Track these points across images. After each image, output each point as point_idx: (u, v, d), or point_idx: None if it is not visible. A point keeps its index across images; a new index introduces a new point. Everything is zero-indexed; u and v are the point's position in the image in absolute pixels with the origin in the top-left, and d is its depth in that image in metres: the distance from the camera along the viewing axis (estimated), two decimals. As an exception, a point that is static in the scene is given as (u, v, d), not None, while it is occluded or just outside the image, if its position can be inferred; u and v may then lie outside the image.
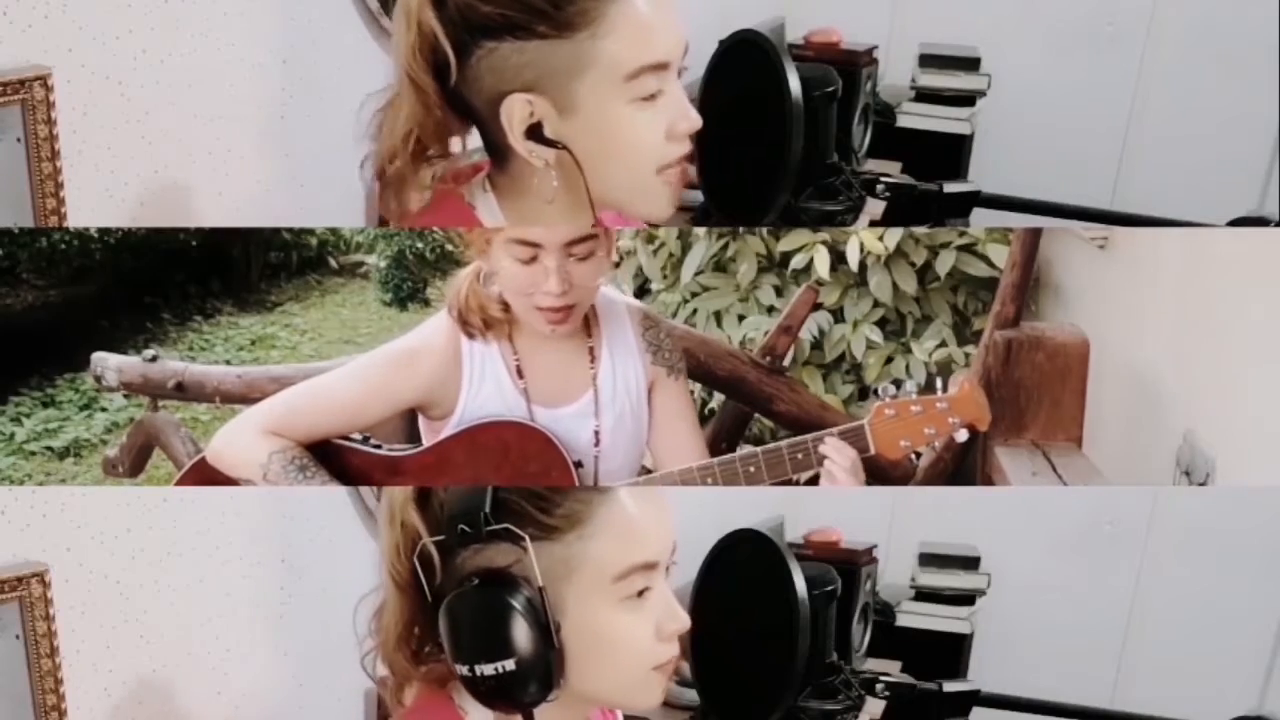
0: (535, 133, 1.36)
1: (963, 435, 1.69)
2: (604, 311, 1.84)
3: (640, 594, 1.22)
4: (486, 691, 1.21)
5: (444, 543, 1.20)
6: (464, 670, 1.21)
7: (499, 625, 1.18)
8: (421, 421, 1.84)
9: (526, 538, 1.18)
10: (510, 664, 1.18)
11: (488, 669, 1.19)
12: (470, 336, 1.77)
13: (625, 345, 1.84)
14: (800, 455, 1.69)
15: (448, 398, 1.78)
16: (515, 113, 1.35)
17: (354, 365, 1.82)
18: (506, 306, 1.74)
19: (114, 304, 6.36)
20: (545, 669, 1.20)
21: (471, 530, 1.19)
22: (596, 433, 1.81)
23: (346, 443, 1.79)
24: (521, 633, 1.18)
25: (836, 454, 1.67)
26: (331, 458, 1.78)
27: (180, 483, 1.89)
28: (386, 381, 1.78)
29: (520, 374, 1.78)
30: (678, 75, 1.39)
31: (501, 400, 1.78)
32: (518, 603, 1.18)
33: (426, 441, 1.81)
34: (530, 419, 1.77)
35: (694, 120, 1.40)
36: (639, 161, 1.39)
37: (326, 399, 1.80)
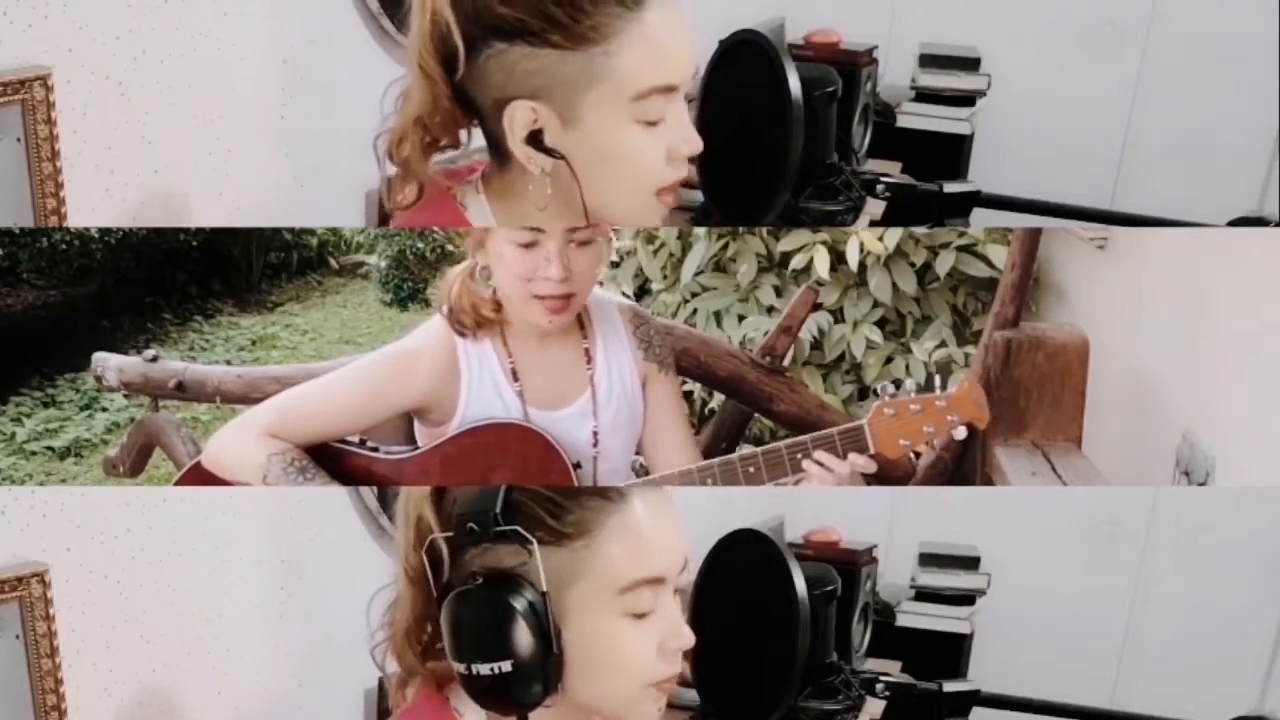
0: (535, 140, 1.36)
1: (961, 433, 1.69)
2: (596, 311, 1.84)
3: (645, 611, 1.21)
4: (483, 691, 1.21)
5: (452, 540, 1.20)
6: (461, 669, 1.20)
7: (499, 626, 1.18)
8: (416, 427, 1.84)
9: (534, 541, 1.18)
10: (507, 665, 1.18)
11: (484, 669, 1.19)
12: (461, 335, 1.76)
13: (619, 343, 1.84)
14: (800, 456, 1.69)
15: (446, 401, 1.77)
16: (518, 118, 1.35)
17: (352, 367, 1.82)
18: (498, 306, 1.74)
19: (115, 304, 6.36)
20: (542, 674, 1.19)
21: (480, 529, 1.19)
22: (595, 433, 1.81)
23: (344, 446, 1.79)
24: (521, 635, 1.18)
25: (835, 467, 1.68)
26: (329, 461, 1.77)
27: (179, 484, 1.89)
28: (385, 383, 1.77)
29: (515, 377, 1.78)
30: (684, 97, 1.39)
31: (501, 403, 1.78)
32: (519, 605, 1.17)
33: (423, 446, 1.81)
34: (527, 422, 1.77)
35: (695, 144, 1.39)
36: (636, 182, 1.39)
37: (325, 401, 1.79)
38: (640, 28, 1.31)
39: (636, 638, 1.21)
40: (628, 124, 1.35)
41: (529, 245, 1.64)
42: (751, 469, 1.70)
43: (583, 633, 1.20)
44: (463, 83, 1.36)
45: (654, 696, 1.23)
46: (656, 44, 1.33)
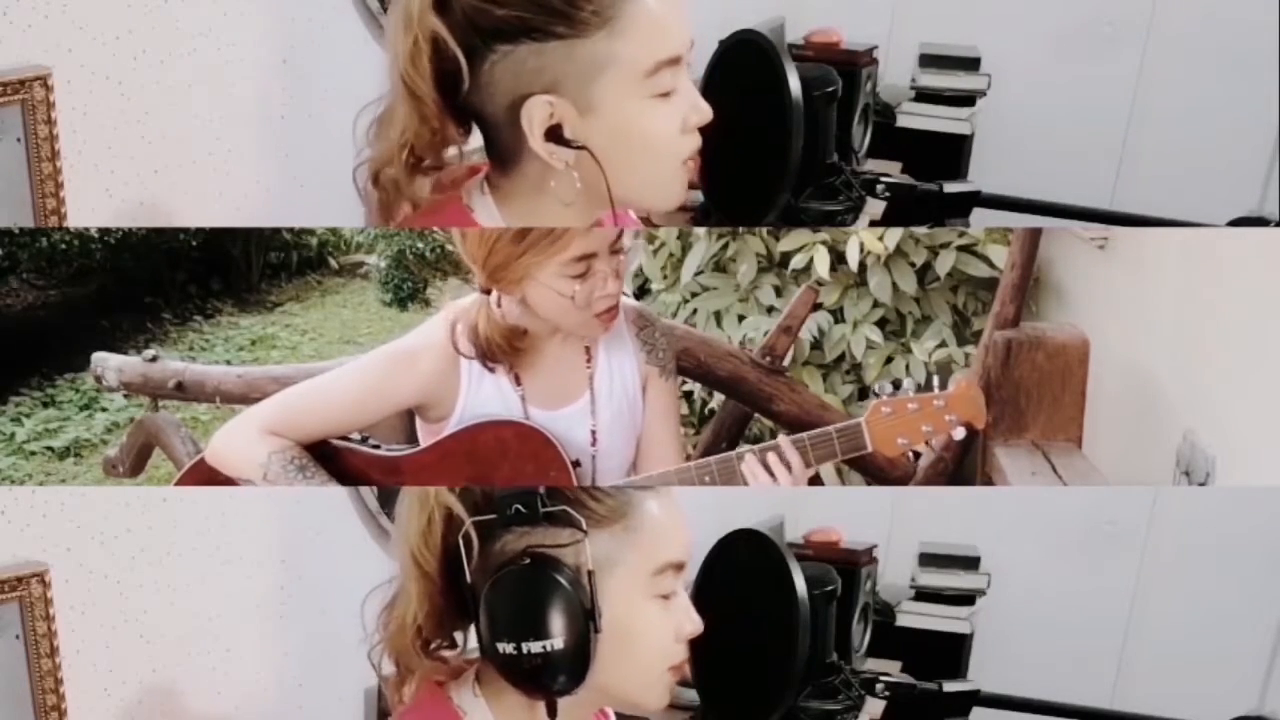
0: (555, 134, 1.35)
1: (960, 433, 1.69)
2: None
3: (669, 593, 1.26)
4: (529, 671, 1.22)
5: (491, 523, 1.22)
6: (508, 648, 1.22)
7: (551, 604, 1.21)
8: (419, 425, 1.84)
9: (583, 520, 1.21)
10: (559, 643, 1.21)
11: (535, 647, 1.21)
12: (491, 370, 1.76)
13: (621, 344, 1.84)
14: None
15: (446, 398, 1.78)
16: (536, 115, 1.34)
17: (353, 365, 1.82)
18: (525, 333, 1.74)
19: (114, 304, 6.36)
20: (585, 654, 1.22)
21: (527, 511, 1.21)
22: (594, 432, 1.81)
23: (345, 443, 1.79)
24: (571, 615, 1.21)
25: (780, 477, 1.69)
26: (330, 458, 1.78)
27: (180, 483, 1.89)
28: (385, 381, 1.78)
29: (518, 381, 1.78)
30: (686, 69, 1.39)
31: (501, 401, 1.78)
32: (570, 583, 1.21)
33: (424, 444, 1.81)
34: (526, 420, 1.77)
35: (705, 112, 1.39)
36: (657, 156, 1.39)
37: (325, 398, 1.80)
38: (638, 5, 1.32)
39: (662, 621, 1.26)
40: (642, 101, 1.35)
41: (584, 275, 1.65)
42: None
43: (617, 615, 1.23)
44: (467, 96, 1.35)
45: (669, 681, 1.28)
46: (656, 18, 1.33)
